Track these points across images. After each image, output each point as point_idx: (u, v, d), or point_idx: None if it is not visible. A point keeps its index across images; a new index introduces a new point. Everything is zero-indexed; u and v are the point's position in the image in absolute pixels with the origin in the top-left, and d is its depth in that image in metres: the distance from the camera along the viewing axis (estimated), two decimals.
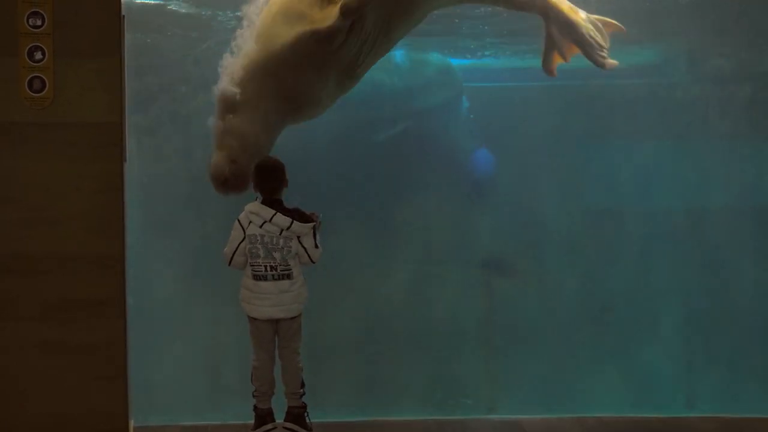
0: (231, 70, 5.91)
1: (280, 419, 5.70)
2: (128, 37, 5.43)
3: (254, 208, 5.55)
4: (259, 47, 5.89)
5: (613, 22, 6.42)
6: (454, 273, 7.02)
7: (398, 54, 7.27)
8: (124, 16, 5.32)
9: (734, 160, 7.05)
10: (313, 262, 5.60)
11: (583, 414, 6.26)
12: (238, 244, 5.55)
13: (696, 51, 7.18)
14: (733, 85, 7.12)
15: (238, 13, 6.12)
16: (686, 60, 7.23)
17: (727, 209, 7.04)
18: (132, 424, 5.47)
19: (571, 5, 6.39)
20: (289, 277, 5.55)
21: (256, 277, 5.54)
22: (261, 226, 5.51)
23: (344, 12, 5.71)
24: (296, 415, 5.67)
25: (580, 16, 6.37)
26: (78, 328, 5.25)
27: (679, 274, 6.99)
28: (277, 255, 5.52)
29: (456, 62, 7.70)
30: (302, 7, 5.87)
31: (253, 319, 5.61)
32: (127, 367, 5.34)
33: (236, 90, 5.83)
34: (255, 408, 5.70)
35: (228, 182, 5.84)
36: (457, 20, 7.12)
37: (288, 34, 5.83)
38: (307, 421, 5.69)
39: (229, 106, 5.87)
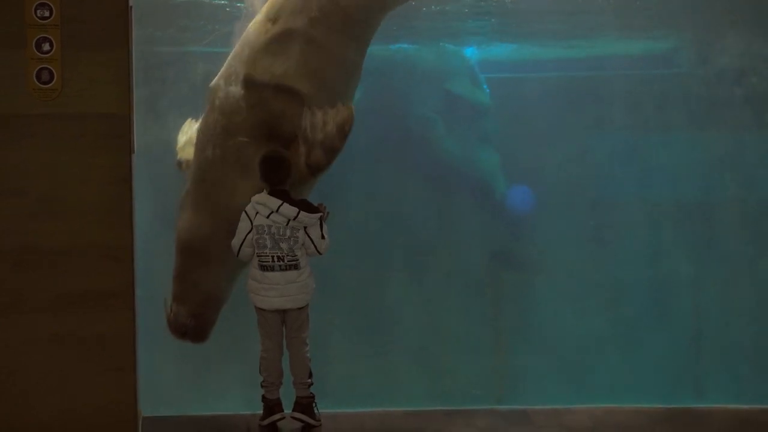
0: (189, 221, 5.79)
1: (288, 409, 5.72)
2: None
3: (261, 199, 5.55)
4: (216, 200, 5.74)
5: None
6: (465, 266, 7.01)
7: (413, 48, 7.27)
8: (131, 7, 5.31)
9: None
10: (320, 253, 5.60)
11: (592, 404, 6.25)
12: (246, 235, 5.55)
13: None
14: None
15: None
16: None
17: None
18: (141, 414, 5.50)
19: None
20: (296, 267, 5.55)
21: (263, 268, 5.55)
22: (268, 217, 5.51)
23: (315, 171, 5.67)
24: (305, 405, 5.69)
25: None
26: (87, 319, 5.26)
27: (687, 266, 6.98)
28: (284, 245, 5.52)
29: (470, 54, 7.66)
30: (248, 154, 5.68)
31: (260, 310, 5.62)
32: (136, 358, 5.35)
33: (199, 240, 5.75)
34: (263, 398, 5.72)
35: (187, 335, 5.86)
36: (466, 9, 7.10)
37: (244, 187, 5.67)
38: (316, 411, 5.71)
39: (191, 256, 5.78)
